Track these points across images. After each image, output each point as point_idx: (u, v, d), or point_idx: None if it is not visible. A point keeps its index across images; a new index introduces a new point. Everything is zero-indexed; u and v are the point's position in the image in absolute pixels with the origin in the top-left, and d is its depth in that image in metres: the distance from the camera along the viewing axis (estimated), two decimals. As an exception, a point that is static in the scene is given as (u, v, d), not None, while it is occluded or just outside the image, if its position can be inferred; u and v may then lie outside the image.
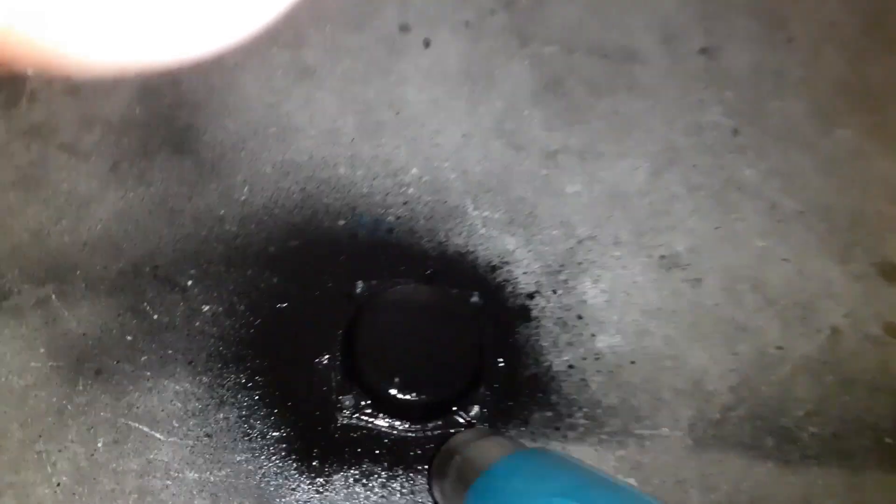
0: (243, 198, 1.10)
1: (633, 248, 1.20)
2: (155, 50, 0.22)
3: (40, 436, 0.88)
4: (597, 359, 1.09)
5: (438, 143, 1.22)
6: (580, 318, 1.12)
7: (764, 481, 1.07)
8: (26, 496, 0.85)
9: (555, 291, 1.13)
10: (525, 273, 1.14)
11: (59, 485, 0.86)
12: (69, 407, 0.90)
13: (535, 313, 1.11)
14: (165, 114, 1.15)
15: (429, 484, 0.94)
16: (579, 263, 1.16)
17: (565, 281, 1.14)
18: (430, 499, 0.95)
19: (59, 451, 0.88)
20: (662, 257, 1.20)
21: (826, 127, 1.40)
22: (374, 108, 1.24)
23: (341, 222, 1.11)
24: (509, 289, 1.12)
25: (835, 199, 1.32)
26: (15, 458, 0.86)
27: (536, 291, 1.13)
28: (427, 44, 1.33)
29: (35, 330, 0.94)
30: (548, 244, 1.17)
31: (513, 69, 1.33)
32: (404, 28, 1.34)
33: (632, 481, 1.03)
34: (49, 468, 0.86)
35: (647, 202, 1.25)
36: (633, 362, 1.10)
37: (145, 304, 0.99)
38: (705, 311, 1.17)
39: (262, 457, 0.92)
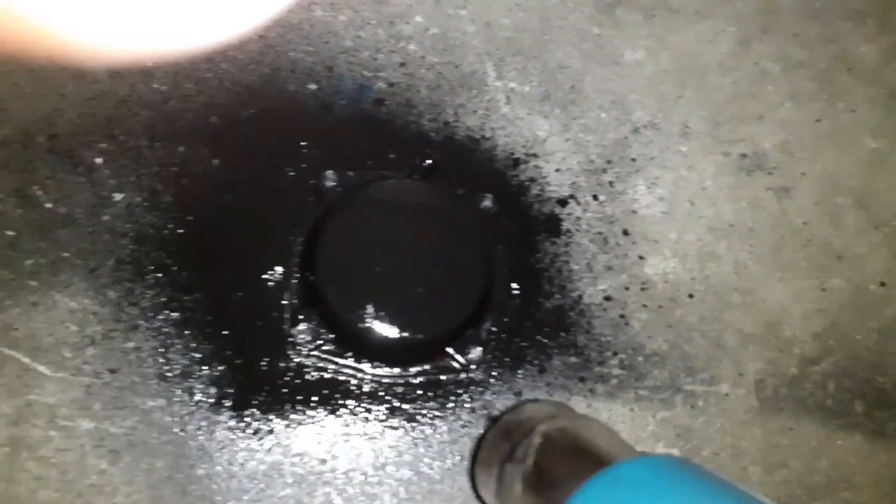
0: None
1: (706, 142, 0.90)
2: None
3: None
4: (643, 289, 0.83)
5: (455, -18, 0.90)
6: (626, 233, 0.84)
7: (847, 458, 0.83)
8: None
9: (595, 197, 0.85)
10: (558, 170, 0.85)
11: None
12: (-80, 324, 0.66)
13: (566, 225, 0.83)
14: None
15: (472, 468, 0.71)
16: (633, 160, 0.87)
17: (611, 183, 0.85)
18: (403, 459, 0.72)
19: None
20: (743, 156, 0.90)
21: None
22: (369, -73, 0.90)
23: (312, 86, 0.81)
24: (535, 191, 0.83)
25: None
26: None
27: (571, 196, 0.84)
28: None
29: None
30: (593, 131, 0.87)
31: None
32: None
33: (675, 451, 0.79)
34: None
35: (730, 81, 0.93)
36: (690, 296, 0.84)
37: (35, 186, 0.72)
38: (792, 230, 0.89)
39: (183, 404, 0.69)
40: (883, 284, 0.89)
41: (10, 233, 0.70)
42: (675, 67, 0.92)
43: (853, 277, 0.89)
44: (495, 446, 0.68)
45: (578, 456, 0.57)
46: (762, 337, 0.84)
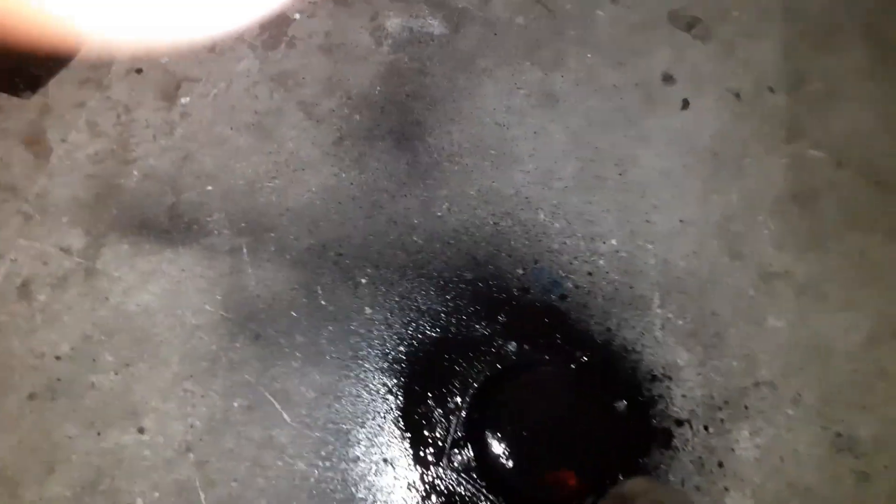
0: (440, 214, 1.09)
1: (810, 414, 1.08)
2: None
3: (192, 376, 0.97)
4: (719, 515, 1.02)
5: (651, 221, 1.14)
6: (721, 465, 1.04)
7: None
8: (164, 425, 0.95)
9: (706, 428, 1.05)
10: (684, 396, 1.06)
11: (192, 426, 0.95)
12: (223, 359, 0.98)
13: (675, 442, 1.04)
14: (401, 102, 1.15)
15: None
16: (746, 407, 1.07)
17: (722, 420, 1.06)
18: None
19: (203, 396, 0.97)
20: (838, 435, 1.07)
21: None
22: (601, 159, 1.16)
23: (519, 271, 1.08)
24: (661, 406, 1.05)
25: None
26: (166, 388, 0.96)
27: (688, 420, 1.05)
28: (686, 104, 1.21)
29: (220, 275, 1.02)
30: (722, 374, 1.08)
31: (767, 164, 1.19)
32: (667, 79, 1.22)
33: None
34: (189, 408, 0.96)
35: (851, 369, 1.10)
36: (756, 535, 1.02)
37: (319, 287, 1.03)
38: (865, 512, 1.04)
39: (364, 471, 0.97)
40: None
41: (294, 314, 1.02)
42: (807, 343, 1.11)
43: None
44: None
45: None
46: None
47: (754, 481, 1.04)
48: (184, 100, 1.10)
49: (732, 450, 1.05)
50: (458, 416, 1.01)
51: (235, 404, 0.97)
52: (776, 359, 1.09)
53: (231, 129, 1.10)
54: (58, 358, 0.96)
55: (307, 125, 1.11)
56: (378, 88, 1.15)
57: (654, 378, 1.07)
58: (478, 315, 1.06)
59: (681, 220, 1.15)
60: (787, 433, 1.06)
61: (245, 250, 1.03)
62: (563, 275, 1.10)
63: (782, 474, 1.05)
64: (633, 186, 1.16)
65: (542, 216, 1.12)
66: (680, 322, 1.10)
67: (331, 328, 1.02)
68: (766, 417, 1.07)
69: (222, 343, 0.99)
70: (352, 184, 1.09)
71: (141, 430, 0.95)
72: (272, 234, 1.05)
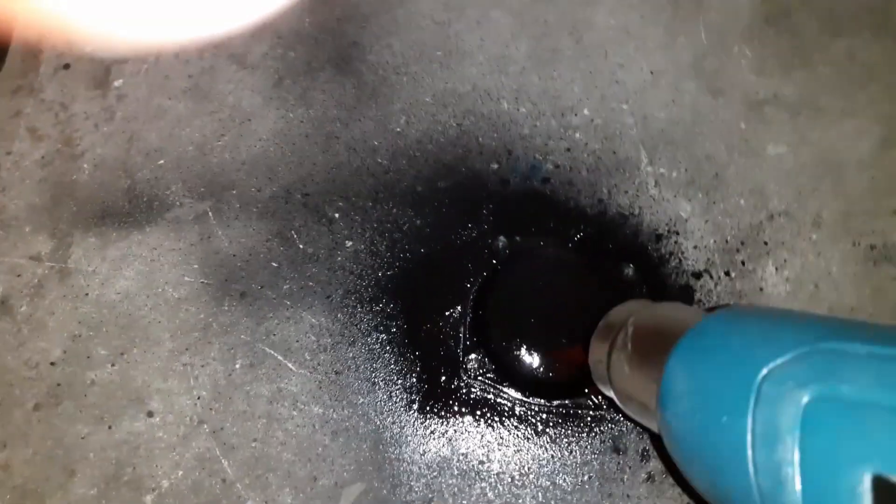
0: (399, 129, 1.04)
1: (837, 232, 1.00)
2: None
3: (187, 349, 0.94)
4: (762, 357, 0.96)
5: (620, 80, 1.07)
6: (751, 307, 0.97)
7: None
8: (171, 404, 0.92)
9: (728, 273, 0.99)
10: (696, 247, 1.00)
11: (199, 398, 0.92)
12: (214, 325, 0.95)
13: (699, 296, 0.98)
14: (333, 28, 1.10)
15: (592, 371, 0.83)
16: (765, 243, 1.00)
17: (743, 262, 0.99)
18: (543, 471, 0.91)
19: (202, 366, 0.94)
20: (872, 247, 1.00)
21: None
22: (553, 32, 1.10)
23: (494, 166, 1.03)
24: (673, 263, 0.99)
25: None
26: (164, 367, 0.94)
27: (706, 270, 0.99)
28: (628, -46, 1.14)
29: (191, 245, 0.99)
30: (731, 215, 1.01)
31: (728, -9, 1.11)
32: (604, -67, 1.15)
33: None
34: (192, 381, 0.93)
35: (868, 177, 1.03)
36: (805, 368, 0.95)
37: (293, 231, 0.99)
38: (914, 319, 0.97)
39: (384, 404, 0.93)
40: None
41: (275, 264, 0.98)
42: (814, 162, 1.03)
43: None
44: (600, 346, 0.78)
45: (664, 329, 0.61)
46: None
47: (791, 315, 0.97)
48: (117, 83, 1.07)
49: (761, 289, 0.98)
50: (465, 324, 0.96)
51: (237, 366, 0.94)
52: (785, 186, 1.02)
53: (169, 99, 1.06)
54: (52, 364, 0.94)
55: (242, 75, 1.07)
56: (307, 20, 1.10)
57: (659, 237, 1.00)
58: (461, 219, 1.01)
59: (651, 72, 1.08)
60: (815, 258, 0.99)
61: (210, 214, 1.00)
62: (541, 158, 1.04)
63: (821, 301, 0.98)
64: (592, 50, 1.09)
65: (505, 105, 1.06)
66: (674, 174, 1.03)
67: (314, 269, 0.98)
68: (789, 248, 1.00)
69: (210, 309, 0.96)
70: (301, 122, 1.04)
71: (150, 414, 0.92)
72: (233, 192, 1.01)
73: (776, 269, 0.99)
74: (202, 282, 0.97)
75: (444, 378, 0.94)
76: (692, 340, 0.53)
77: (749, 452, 0.41)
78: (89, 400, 0.93)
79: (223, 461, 0.90)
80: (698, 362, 0.51)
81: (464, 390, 0.94)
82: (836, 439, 0.35)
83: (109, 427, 0.92)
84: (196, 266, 0.98)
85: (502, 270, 0.96)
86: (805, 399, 0.38)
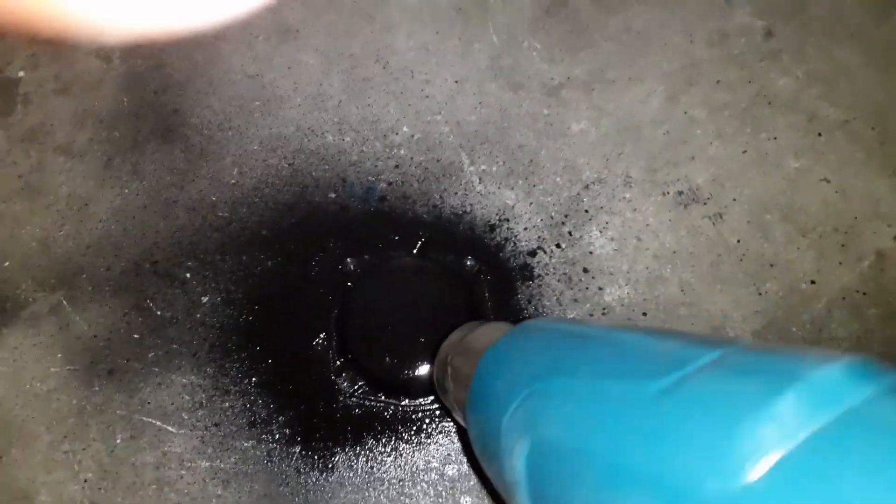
0: (233, 181, 1.09)
1: (646, 187, 1.11)
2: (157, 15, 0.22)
3: (65, 437, 0.96)
4: (604, 313, 1.05)
5: (429, 94, 1.16)
6: (586, 271, 1.07)
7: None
8: (59, 494, 0.93)
9: (559, 245, 1.08)
10: (526, 229, 1.09)
11: (85, 481, 0.94)
12: (88, 407, 0.97)
13: (537, 271, 1.07)
14: (151, 100, 1.14)
15: (441, 404, 0.90)
16: (585, 211, 1.10)
17: (570, 233, 1.09)
18: (430, 465, 0.97)
19: (84, 449, 0.95)
20: (679, 193, 1.11)
21: (881, 10, 1.22)
22: (360, 63, 1.18)
23: (332, 195, 1.09)
24: (509, 248, 1.08)
25: (889, 99, 1.16)
26: (45, 460, 0.95)
27: (539, 248, 1.08)
28: (414, -20, 1.23)
29: (51, 336, 1.00)
30: (551, 193, 1.11)
31: (509, -5, 1.22)
32: (389, -35, 1.24)
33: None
34: (76, 466, 0.95)
35: (663, 132, 1.14)
36: (644, 314, 1.05)
37: (148, 300, 1.02)
38: (728, 248, 1.09)
39: (268, 442, 0.97)
40: (813, 282, 1.08)
41: (136, 335, 1.01)
42: (614, 130, 1.14)
43: (785, 280, 1.08)
44: (440, 385, 0.83)
45: (471, 355, 0.64)
46: (709, 338, 1.05)
47: (622, 269, 1.07)
48: (-55, 199, 1.08)
49: (591, 252, 1.08)
50: (332, 348, 1.01)
51: (118, 441, 0.96)
52: (593, 157, 1.13)
53: (3, 203, 1.08)
54: (-70, 486, 0.94)
55: (72, 164, 1.10)
56: (125, 99, 1.14)
57: (492, 227, 1.09)
58: (310, 252, 1.06)
59: (455, 81, 1.17)
60: (632, 214, 1.10)
61: (65, 302, 1.02)
62: (373, 179, 1.11)
63: (645, 251, 1.08)
64: (399, 73, 1.17)
65: (330, 137, 1.13)
66: (494, 168, 1.12)
67: (175, 332, 1.01)
68: (607, 211, 1.10)
69: (81, 394, 0.98)
70: (137, 194, 1.08)
71: (39, 509, 0.93)
72: (83, 276, 1.04)
73: (600, 231, 1.09)
74: (69, 369, 0.99)
75: (321, 403, 0.99)
76: (476, 379, 0.56)
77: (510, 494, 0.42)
78: (-25, 512, 0.93)
79: (121, 536, 0.92)
80: (475, 401, 0.54)
81: (341, 411, 0.99)
82: (557, 489, 0.35)
83: (0, 533, 0.92)
84: (60, 355, 1.00)
85: (356, 289, 1.02)
86: (526, 450, 0.38)
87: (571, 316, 1.05)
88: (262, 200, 1.08)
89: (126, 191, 1.08)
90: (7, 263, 1.04)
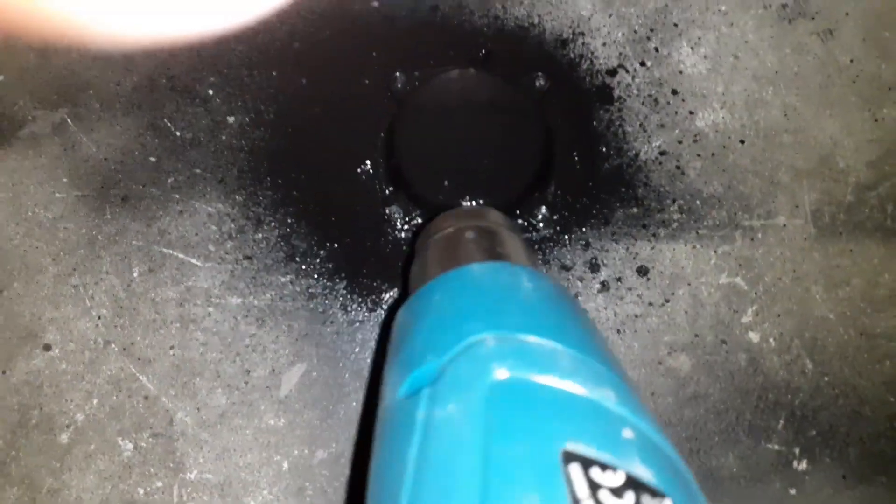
0: (260, -13, 0.93)
1: (745, -1, 0.94)
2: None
3: (74, 269, 0.83)
4: (696, 141, 0.90)
5: None
6: (675, 92, 0.91)
7: (909, 273, 0.88)
8: (69, 331, 0.81)
9: (643, 63, 0.92)
10: (605, 44, 0.92)
11: (99, 318, 0.81)
12: (100, 237, 0.84)
13: (617, 93, 0.91)
14: None
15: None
16: (675, 25, 0.93)
17: (656, 49, 0.92)
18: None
19: (96, 283, 0.83)
20: (783, 6, 0.94)
21: None
22: None
23: (374, 3, 0.93)
24: (585, 66, 0.92)
25: None
26: (52, 294, 0.82)
27: (619, 66, 0.92)
28: None
29: (55, 158, 0.86)
30: (633, 4, 0.94)
31: None
32: None
33: (738, 280, 0.87)
34: (88, 301, 0.82)
35: (765, -65, 0.96)
36: (742, 141, 0.90)
37: (165, 120, 0.88)
38: (839, 68, 0.93)
39: (309, 277, 0.84)
40: (939, 109, 0.92)
41: (153, 158, 0.87)
42: (708, -68, 0.96)
43: (907, 105, 0.92)
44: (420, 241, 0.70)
45: (443, 258, 0.59)
46: (816, 170, 0.90)
47: (717, 91, 0.91)
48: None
49: (681, 72, 0.92)
50: (379, 176, 0.87)
51: (135, 274, 0.83)
52: (683, -37, 0.95)
53: (-8, 11, 0.92)
54: (-77, 323, 0.82)
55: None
56: None
57: (565, 42, 0.93)
58: (352, 67, 0.91)
59: None
60: (729, 29, 0.93)
61: (69, 121, 0.88)
62: (423, -13, 0.94)
63: (743, 71, 0.92)
64: None
65: (371, -60, 0.96)
66: (567, -26, 0.95)
67: (198, 154, 0.87)
68: (700, 25, 0.93)
69: (91, 222, 0.85)
70: (149, 0, 0.92)
71: (47, 347, 0.81)
72: (90, 92, 0.89)
73: (692, 48, 0.92)
74: (76, 195, 0.85)
75: (367, 236, 0.85)
76: (452, 278, 0.51)
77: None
78: (-25, 350, 0.81)
79: (141, 377, 0.80)
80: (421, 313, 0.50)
81: (391, 245, 0.85)
82: (525, 416, 0.35)
83: (3, 372, 0.80)
84: (66, 179, 0.86)
85: (407, 108, 0.86)
86: (500, 376, 0.37)
87: (657, 144, 0.89)
88: (295, 7, 0.92)
89: (135, -4, 0.92)
90: (1, 77, 0.89)
